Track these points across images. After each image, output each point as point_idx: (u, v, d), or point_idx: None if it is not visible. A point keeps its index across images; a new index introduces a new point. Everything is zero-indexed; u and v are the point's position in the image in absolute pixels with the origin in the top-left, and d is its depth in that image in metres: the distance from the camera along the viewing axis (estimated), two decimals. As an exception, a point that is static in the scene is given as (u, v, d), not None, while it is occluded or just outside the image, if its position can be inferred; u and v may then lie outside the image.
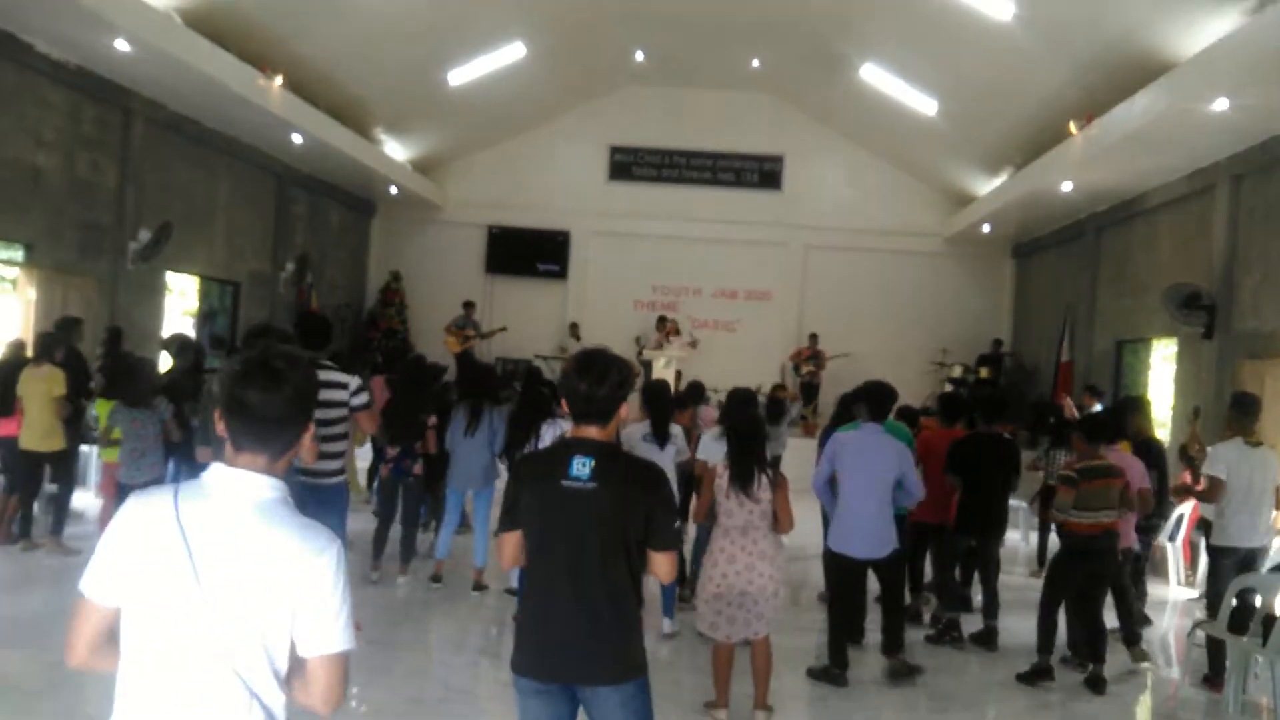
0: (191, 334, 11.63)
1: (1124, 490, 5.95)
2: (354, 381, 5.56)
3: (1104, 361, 13.32)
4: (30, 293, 9.89)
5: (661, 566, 2.98)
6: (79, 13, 8.23)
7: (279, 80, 11.17)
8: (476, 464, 7.27)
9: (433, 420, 7.53)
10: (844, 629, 5.83)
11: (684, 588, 6.87)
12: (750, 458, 4.90)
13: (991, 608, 6.75)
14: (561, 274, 17.86)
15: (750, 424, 5.09)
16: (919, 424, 7.83)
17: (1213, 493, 6.18)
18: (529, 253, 17.83)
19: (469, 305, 16.46)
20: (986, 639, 6.67)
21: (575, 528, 2.88)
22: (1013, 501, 8.17)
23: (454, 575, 7.42)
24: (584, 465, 2.88)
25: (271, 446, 1.93)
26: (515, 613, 3.05)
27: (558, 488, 2.89)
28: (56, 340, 7.82)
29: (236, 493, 1.89)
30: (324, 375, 5.46)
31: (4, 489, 7.78)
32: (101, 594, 1.88)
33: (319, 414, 5.26)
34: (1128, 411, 7.62)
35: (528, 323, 17.17)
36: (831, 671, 5.73)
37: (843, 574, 5.81)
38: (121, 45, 9.04)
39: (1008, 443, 6.85)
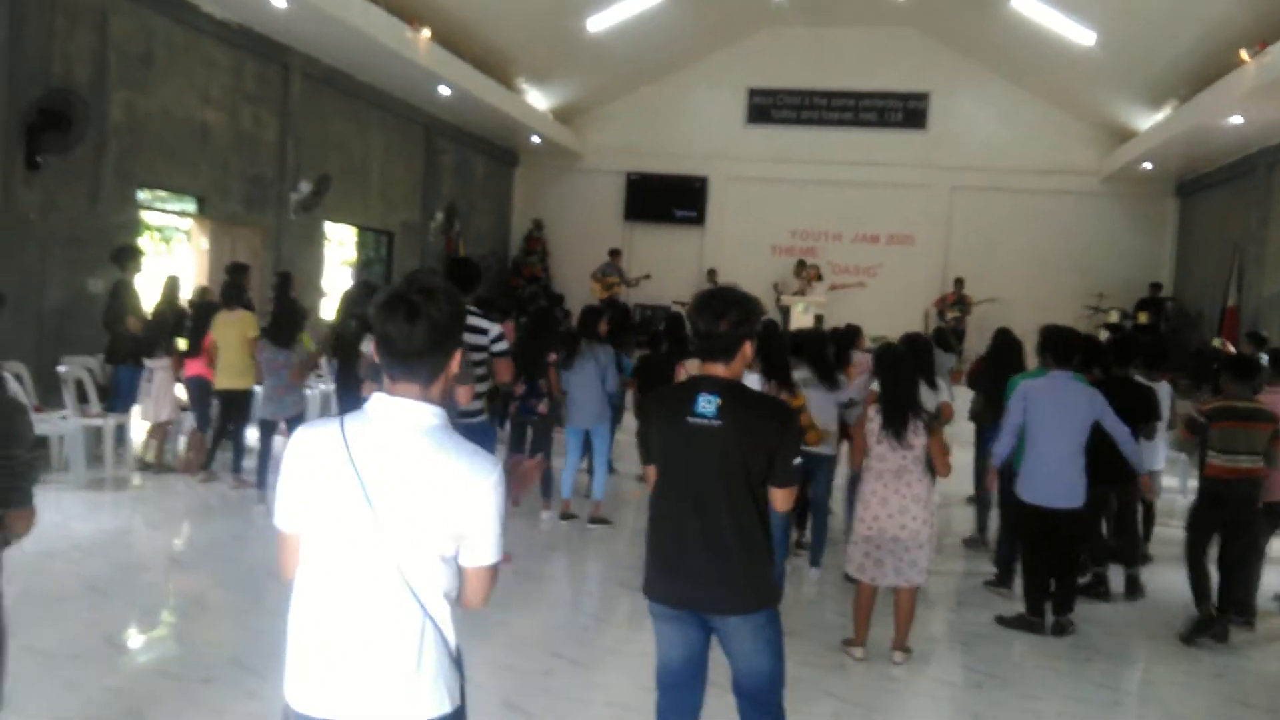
0: (351, 282, 12.22)
1: (1272, 436, 5.63)
2: (495, 329, 5.74)
3: (1274, 307, 12.52)
4: (203, 242, 10.62)
5: (778, 498, 3.06)
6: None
7: (426, 33, 11.51)
8: (587, 402, 7.38)
9: (552, 357, 7.70)
10: (1040, 578, 5.72)
11: (802, 534, 6.89)
12: (902, 402, 4.85)
13: (1131, 556, 6.55)
14: (699, 220, 17.87)
15: (896, 362, 5.02)
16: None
17: None
18: (667, 199, 17.90)
19: (615, 253, 16.71)
20: (1130, 588, 6.49)
21: (701, 463, 2.96)
22: (1170, 451, 7.87)
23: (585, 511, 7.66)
24: (709, 402, 2.94)
25: (419, 375, 2.01)
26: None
27: (684, 424, 2.97)
28: (241, 286, 8.36)
29: (398, 419, 2.00)
30: (469, 320, 5.69)
31: (199, 425, 8.42)
32: (291, 524, 2.06)
33: None
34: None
35: (666, 269, 17.27)
36: (1029, 619, 5.64)
37: (1036, 524, 5.68)
38: (279, 2, 9.48)
39: (1138, 386, 6.54)
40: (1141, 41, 12.67)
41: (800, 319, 14.65)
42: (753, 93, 17.72)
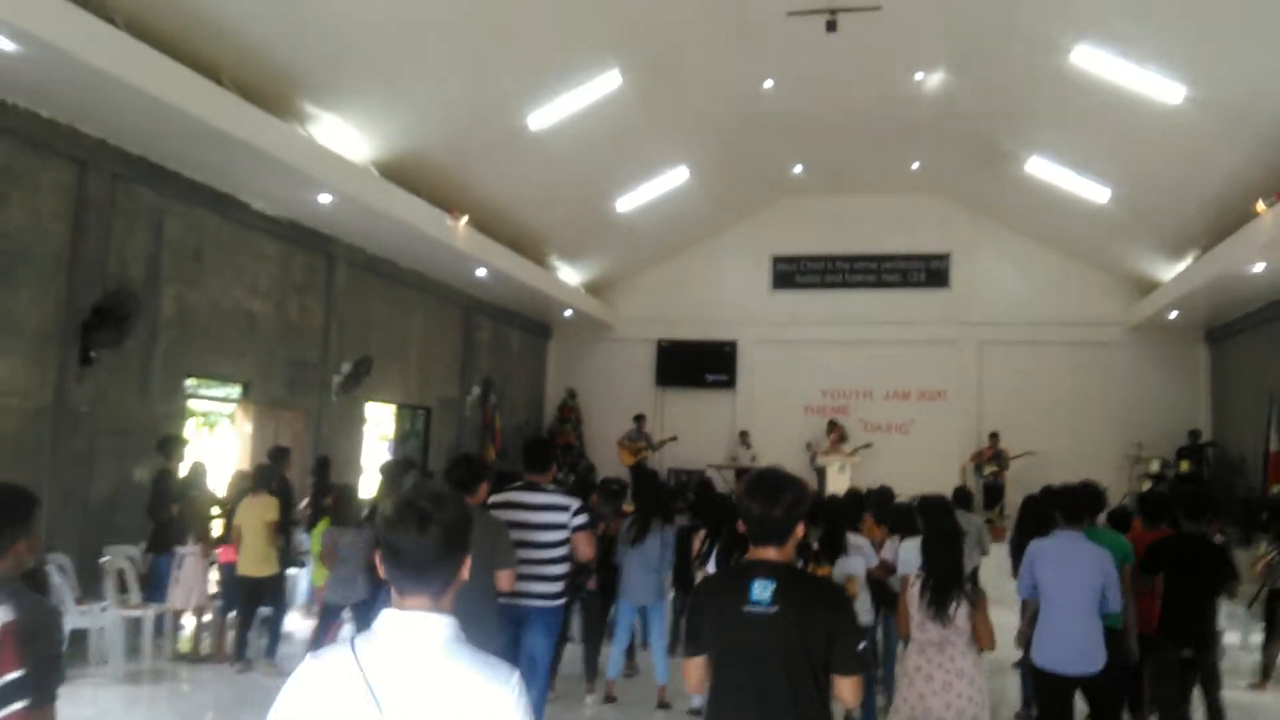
0: (389, 458, 12.36)
1: None
2: (575, 503, 5.67)
3: (1321, 450, 12.32)
4: (246, 426, 10.83)
5: (845, 691, 2.91)
6: (291, 173, 9.17)
7: (464, 220, 12.03)
8: (647, 578, 7.20)
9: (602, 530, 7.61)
10: None
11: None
12: (946, 574, 4.73)
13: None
14: (730, 384, 18.05)
15: (946, 535, 4.93)
16: (1130, 526, 7.39)
17: None
18: (697, 364, 18.15)
19: (640, 418, 16.87)
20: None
21: (759, 654, 2.86)
22: (1228, 607, 7.62)
23: (636, 692, 7.42)
24: (765, 589, 2.86)
25: (430, 586, 1.94)
26: None
27: (739, 614, 2.87)
28: (272, 471, 8.49)
29: (410, 635, 1.91)
30: (546, 499, 5.64)
31: (222, 612, 8.39)
32: None
33: (544, 535, 5.48)
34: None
35: (698, 433, 17.35)
36: None
37: (1049, 691, 5.49)
38: (325, 199, 9.99)
39: (1213, 545, 6.38)
40: (1157, 197, 13.00)
41: (836, 479, 14.56)
42: (777, 260, 18.20)
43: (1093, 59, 10.05)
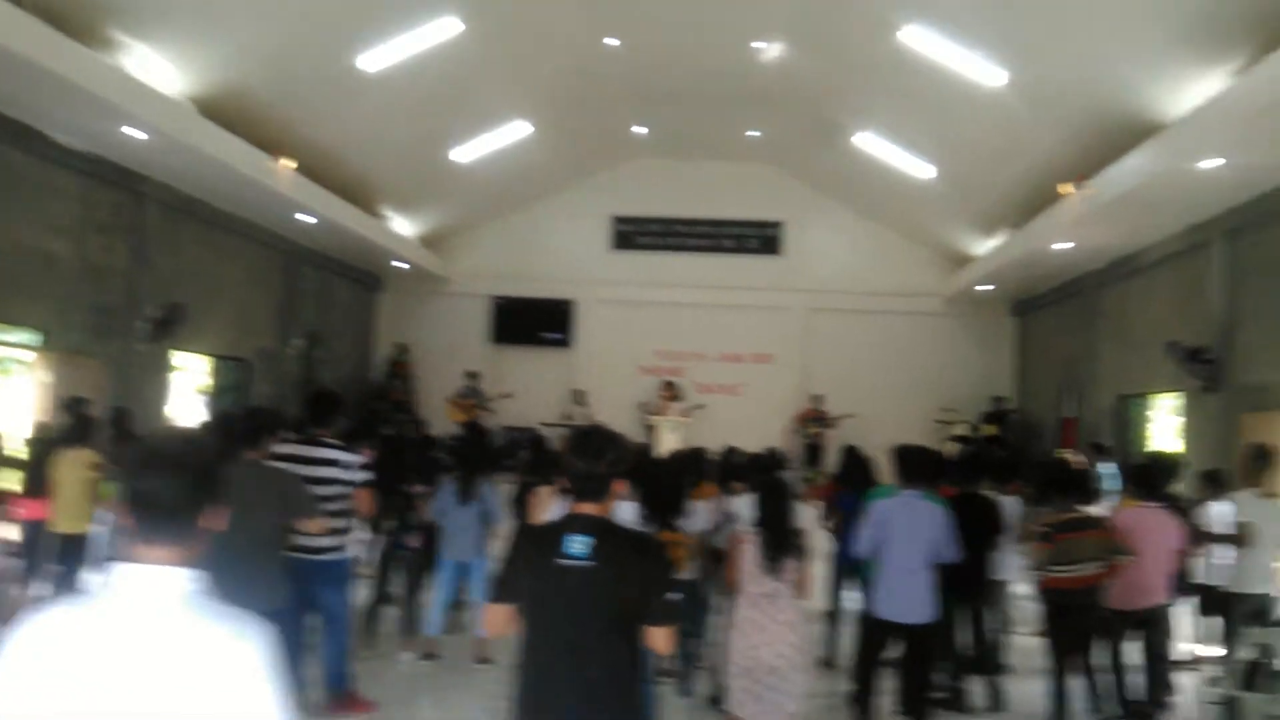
0: (207, 413, 11.74)
1: (1109, 542, 5.93)
2: (356, 459, 5.69)
3: (1107, 417, 13.37)
4: (44, 376, 10.03)
5: (659, 640, 2.98)
6: (96, 104, 8.46)
7: (289, 163, 11.44)
8: (470, 535, 7.14)
9: (417, 489, 7.51)
10: (867, 690, 5.78)
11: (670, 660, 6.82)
12: (781, 530, 4.87)
13: (995, 669, 6.73)
14: (566, 342, 18.01)
15: (778, 492, 5.06)
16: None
17: (1245, 538, 6.23)
18: (534, 322, 18.02)
19: (472, 375, 16.64)
20: (992, 699, 6.64)
21: (573, 605, 2.90)
22: (1020, 561, 8.16)
23: (458, 649, 7.36)
24: (581, 542, 2.91)
25: (173, 535, 1.86)
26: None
27: (554, 565, 2.91)
28: (88, 422, 7.88)
29: (148, 589, 1.81)
30: (325, 453, 5.60)
31: (26, 572, 7.78)
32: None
33: (319, 490, 5.38)
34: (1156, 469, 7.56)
35: (534, 391, 17.28)
36: None
37: (879, 637, 5.77)
38: (135, 132, 9.28)
39: (989, 501, 6.83)
40: (975, 175, 13.68)
41: (667, 439, 14.78)
42: (617, 220, 18.23)
43: (922, 39, 10.41)
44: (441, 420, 16.13)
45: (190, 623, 1.79)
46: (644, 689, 3.10)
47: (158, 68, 9.38)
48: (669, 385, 16.34)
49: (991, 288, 16.18)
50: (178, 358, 12.16)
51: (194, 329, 11.92)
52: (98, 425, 8.37)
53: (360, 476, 5.66)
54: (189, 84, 9.86)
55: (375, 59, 10.73)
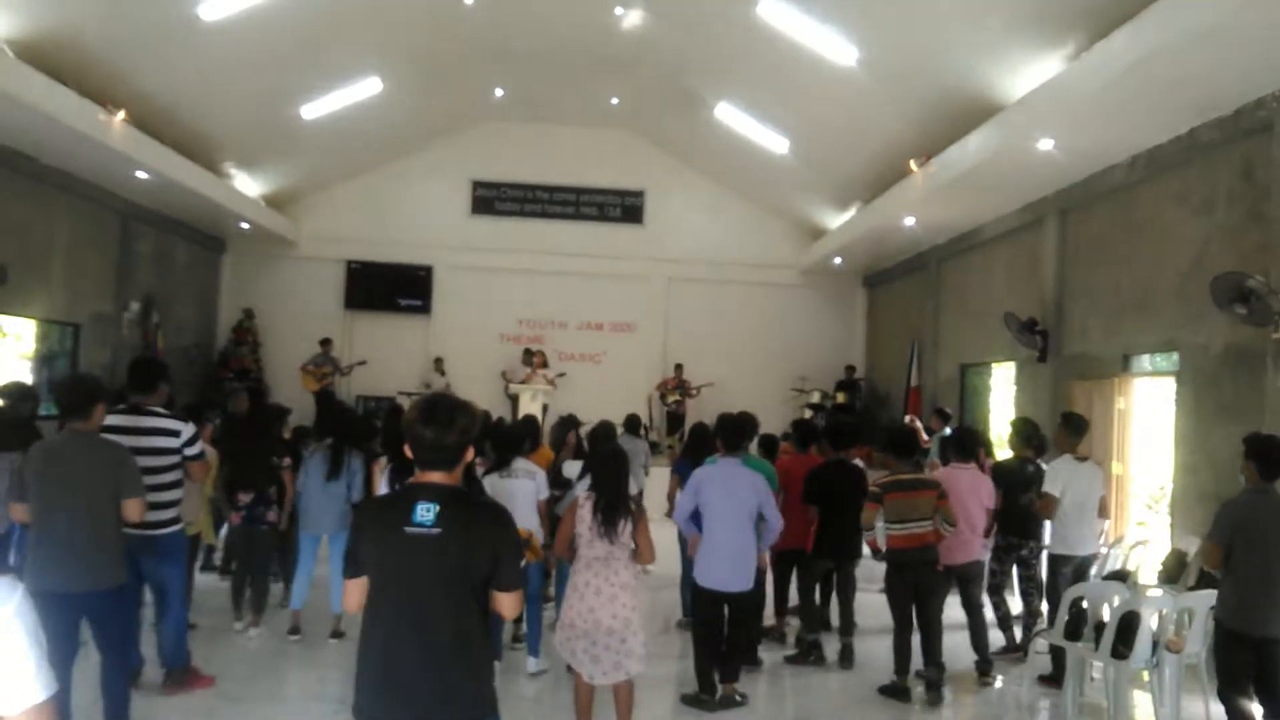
0: (29, 380, 10.97)
1: (937, 502, 6.25)
2: (187, 430, 5.51)
3: (950, 385, 14.00)
4: None
5: (505, 604, 3.01)
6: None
7: (121, 115, 10.74)
8: (333, 508, 7.03)
9: (287, 462, 7.32)
10: (710, 657, 5.93)
11: (518, 627, 6.89)
12: (613, 494, 4.93)
13: (848, 626, 7.01)
14: (425, 309, 17.65)
15: (612, 459, 5.12)
16: (778, 451, 8.05)
17: (1049, 507, 6.59)
18: (391, 288, 17.57)
19: (326, 342, 16.14)
20: (844, 657, 6.91)
21: (419, 572, 2.88)
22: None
23: (312, 625, 7.19)
24: (428, 511, 2.88)
25: None
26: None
27: (401, 534, 2.88)
28: None
29: None
30: (153, 422, 5.36)
31: None
32: None
33: (146, 460, 5.14)
34: (968, 435, 7.94)
35: (391, 359, 16.91)
36: (700, 697, 5.86)
37: (707, 605, 5.91)
38: (-56, 77, 8.54)
39: (856, 469, 7.14)
40: (828, 150, 14.01)
41: (529, 406, 14.70)
42: (476, 184, 17.91)
43: (779, 13, 10.54)
44: (292, 389, 15.61)
45: None
46: (491, 657, 3.08)
47: (-32, 6, 8.63)
48: (537, 353, 16.21)
49: (843, 260, 16.66)
50: (4, 323, 11.32)
51: (18, 291, 11.10)
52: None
53: (193, 450, 5.51)
54: (7, 28, 9.12)
55: (216, 7, 10.14)
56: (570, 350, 17.62)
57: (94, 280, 13.06)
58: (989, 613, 7.07)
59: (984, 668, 6.70)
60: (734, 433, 6.12)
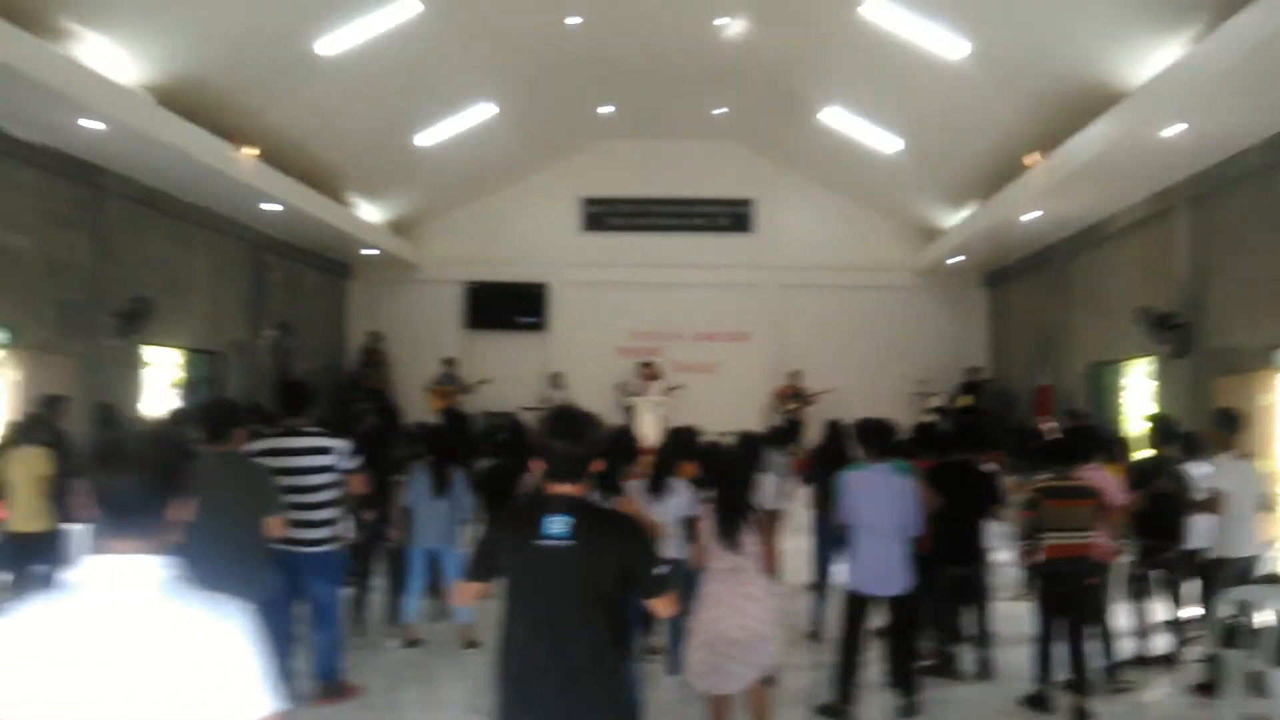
0: (178, 405, 11.62)
1: (1096, 511, 5.99)
2: (342, 444, 5.64)
3: (1080, 384, 13.49)
4: (11, 374, 9.89)
5: (660, 608, 3.07)
6: (49, 96, 8.26)
7: (251, 151, 11.29)
8: (440, 523, 7.16)
9: (398, 478, 7.50)
10: (851, 665, 5.83)
11: (651, 638, 6.82)
12: (733, 507, 4.88)
13: (984, 635, 6.80)
14: (541, 326, 17.95)
15: (730, 468, 5.09)
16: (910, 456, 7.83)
17: (1218, 505, 6.29)
18: (508, 306, 17.94)
19: (449, 361, 16.57)
20: (983, 667, 6.70)
21: (553, 585, 2.90)
22: (1002, 529, 8.23)
23: (444, 634, 7.36)
24: (560, 523, 2.90)
25: (136, 528, 1.87)
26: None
27: (533, 546, 2.91)
28: (41, 421, 7.80)
29: (122, 581, 1.83)
30: (307, 442, 5.55)
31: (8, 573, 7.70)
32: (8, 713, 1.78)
33: (306, 479, 5.35)
34: (1096, 435, 7.63)
35: (510, 376, 17.21)
36: (839, 708, 5.75)
37: (856, 610, 5.82)
38: (91, 124, 9.10)
39: (980, 472, 6.88)
40: (941, 148, 13.71)
41: (646, 419, 14.79)
42: (587, 201, 18.15)
43: (884, 12, 10.39)
44: (418, 408, 16.06)
45: (168, 608, 1.81)
46: (629, 668, 3.09)
47: (112, 57, 9.20)
48: (648, 365, 16.31)
49: (962, 259, 16.25)
50: (149, 352, 12.01)
51: (164, 323, 11.76)
52: (57, 423, 8.28)
53: (352, 463, 5.66)
54: (145, 73, 9.70)
55: (334, 42, 10.58)
56: (685, 361, 17.64)
57: (232, 309, 13.75)
58: (1128, 619, 6.77)
59: (1115, 675, 6.42)
60: (880, 436, 5.99)
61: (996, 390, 16.89)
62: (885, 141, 14.08)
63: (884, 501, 5.68)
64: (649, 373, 16.09)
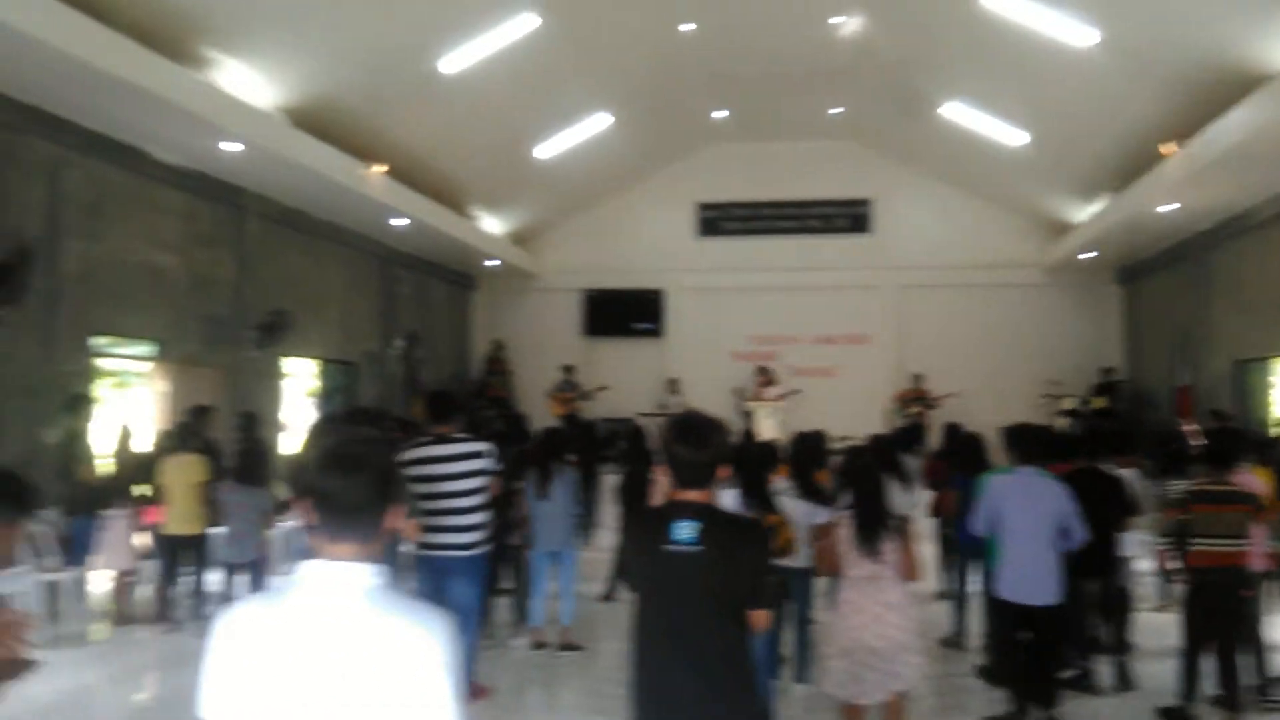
0: (315, 414, 12.15)
1: (1249, 517, 5.67)
2: (489, 448, 5.74)
3: (1223, 383, 12.79)
4: (161, 385, 10.52)
5: (759, 621, 3.03)
6: (193, 121, 8.79)
7: (380, 168, 11.73)
8: (556, 526, 7.25)
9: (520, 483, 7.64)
10: (1018, 677, 5.66)
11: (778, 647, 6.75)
12: (873, 513, 4.80)
13: (1121, 646, 6.53)
14: (657, 332, 18.06)
15: (868, 474, 4.97)
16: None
17: None
18: (625, 313, 18.11)
19: (568, 369, 16.82)
20: (1122, 679, 6.43)
21: (683, 591, 2.90)
22: (1143, 536, 7.89)
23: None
24: (688, 528, 2.90)
25: (358, 532, 1.92)
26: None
27: (661, 552, 2.91)
28: (194, 429, 8.27)
29: (336, 584, 1.89)
30: (460, 448, 5.66)
31: (162, 575, 8.19)
32: (219, 715, 1.87)
33: (459, 484, 5.49)
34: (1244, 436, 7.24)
35: (627, 382, 17.34)
36: (1015, 717, 5.60)
37: (1007, 620, 5.65)
38: (231, 147, 9.62)
39: (1112, 477, 6.59)
40: (1070, 139, 13.23)
41: (765, 424, 14.70)
42: (702, 207, 18.18)
43: (1003, 3, 10.10)
44: (540, 415, 16.35)
45: (376, 615, 1.86)
46: (762, 675, 3.09)
47: (249, 82, 9.70)
48: (764, 370, 16.23)
49: (1094, 255, 15.62)
50: (286, 363, 12.59)
51: (300, 335, 12.33)
52: (208, 431, 8.77)
53: (497, 466, 5.81)
54: (279, 96, 10.18)
55: (456, 60, 10.90)
56: (804, 365, 17.44)
57: (363, 321, 14.31)
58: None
59: (1267, 693, 6.07)
60: (1029, 442, 5.80)
61: (1132, 391, 16.16)
62: (1009, 135, 13.66)
63: (1033, 507, 5.50)
64: (764, 378, 16.01)
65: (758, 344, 17.70)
